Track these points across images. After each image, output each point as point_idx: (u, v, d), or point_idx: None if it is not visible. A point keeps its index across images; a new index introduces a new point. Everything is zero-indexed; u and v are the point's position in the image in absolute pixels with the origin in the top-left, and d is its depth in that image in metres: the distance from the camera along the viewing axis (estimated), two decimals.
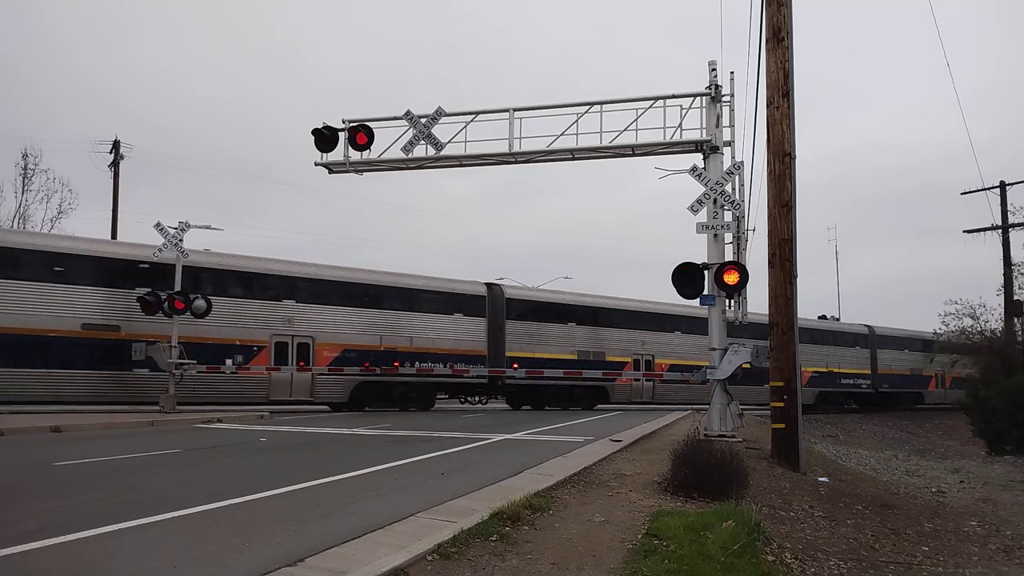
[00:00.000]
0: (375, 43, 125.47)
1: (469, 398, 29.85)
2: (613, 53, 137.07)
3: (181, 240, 21.51)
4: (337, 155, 18.57)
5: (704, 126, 16.14)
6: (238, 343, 23.78)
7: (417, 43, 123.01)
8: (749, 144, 15.63)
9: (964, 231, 32.25)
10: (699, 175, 15.33)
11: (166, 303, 21.45)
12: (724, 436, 14.22)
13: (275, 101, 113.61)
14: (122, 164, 36.30)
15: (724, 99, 15.94)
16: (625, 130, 16.58)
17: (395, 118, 18.19)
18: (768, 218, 12.49)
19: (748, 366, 14.45)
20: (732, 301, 15.31)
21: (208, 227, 28.93)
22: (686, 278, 15.03)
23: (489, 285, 30.59)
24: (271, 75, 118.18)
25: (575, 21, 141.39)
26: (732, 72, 15.98)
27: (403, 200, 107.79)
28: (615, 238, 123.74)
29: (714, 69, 15.94)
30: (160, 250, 21.64)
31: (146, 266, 22.42)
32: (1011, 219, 30.63)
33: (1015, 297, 29.62)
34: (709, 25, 56.18)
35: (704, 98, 16.13)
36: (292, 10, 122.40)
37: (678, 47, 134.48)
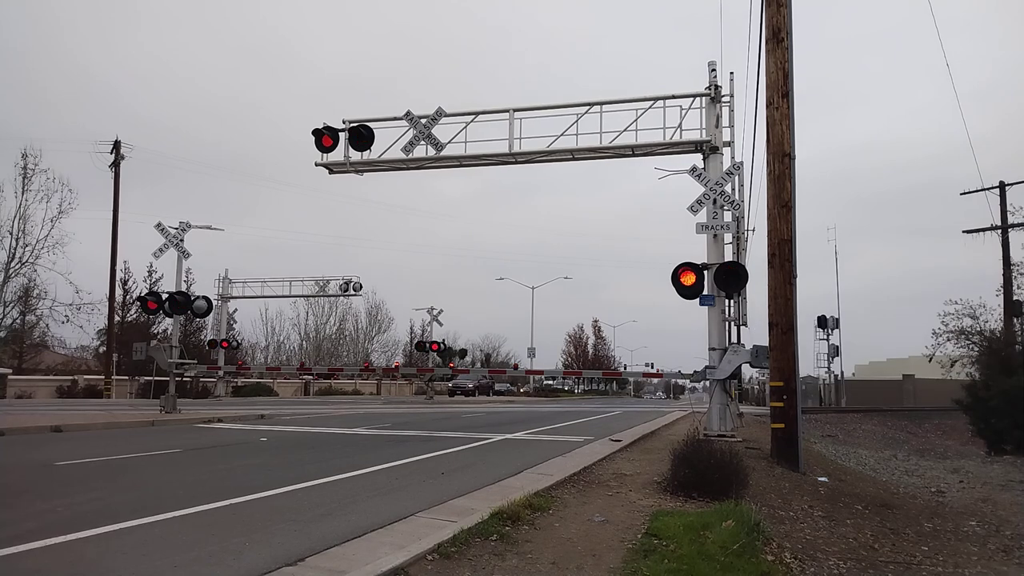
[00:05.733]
0: (375, 43, 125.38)
1: None
2: (614, 53, 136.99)
3: (182, 240, 21.56)
4: (337, 155, 18.60)
5: (704, 126, 16.16)
6: None
7: (418, 43, 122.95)
8: (749, 144, 15.66)
9: (964, 231, 32.26)
10: (699, 175, 15.34)
11: (167, 303, 21.50)
12: (724, 436, 14.24)
13: (279, 102, 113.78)
14: (122, 164, 36.36)
15: (724, 99, 15.96)
16: (625, 130, 16.60)
17: (395, 118, 18.21)
18: (768, 218, 12.48)
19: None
20: (732, 301, 15.33)
21: (209, 227, 29.05)
22: (686, 278, 15.04)
23: None
24: (273, 75, 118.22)
25: (575, 21, 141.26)
26: (732, 72, 16.03)
27: (402, 200, 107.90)
28: (615, 237, 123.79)
29: (714, 70, 15.95)
30: (160, 251, 21.68)
31: None
32: (1011, 219, 30.64)
33: (1015, 297, 29.60)
34: (709, 25, 56.14)
35: (704, 98, 16.15)
36: (297, 11, 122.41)
37: (678, 47, 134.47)
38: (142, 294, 29.88)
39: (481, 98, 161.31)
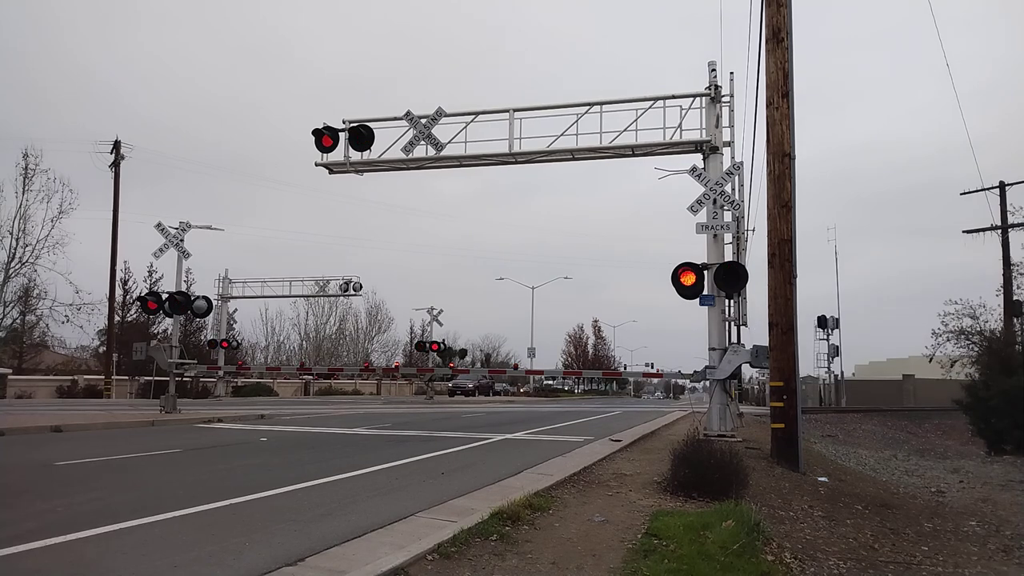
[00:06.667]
0: (375, 43, 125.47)
1: None
2: (614, 53, 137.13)
3: (182, 240, 21.54)
4: (338, 155, 18.60)
5: (704, 126, 16.15)
6: None
7: (418, 43, 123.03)
8: (749, 144, 15.66)
9: (964, 231, 32.24)
10: (699, 175, 15.33)
11: (167, 303, 21.49)
12: (724, 436, 14.24)
13: (279, 102, 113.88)
14: (122, 164, 36.36)
15: (724, 99, 15.96)
16: (625, 130, 16.60)
17: (395, 118, 18.21)
18: (768, 218, 12.48)
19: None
20: (732, 301, 15.32)
21: (209, 227, 29.04)
22: (686, 278, 15.03)
23: None
24: (273, 75, 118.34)
25: (575, 21, 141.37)
26: (732, 72, 16.03)
27: (402, 200, 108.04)
28: (615, 237, 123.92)
29: (714, 70, 15.95)
30: (160, 251, 21.67)
31: None
32: (1011, 219, 30.62)
33: (1015, 297, 29.58)
34: (709, 25, 56.18)
35: (704, 98, 16.15)
36: (297, 12, 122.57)
37: (679, 47, 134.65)
38: (142, 294, 29.88)
39: (481, 98, 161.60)
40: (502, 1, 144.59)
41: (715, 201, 15.01)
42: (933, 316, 33.89)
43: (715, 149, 15.89)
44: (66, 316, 36.91)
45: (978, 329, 27.68)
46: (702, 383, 21.04)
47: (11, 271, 35.39)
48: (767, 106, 12.58)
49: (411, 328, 67.63)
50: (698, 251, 15.74)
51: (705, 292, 15.07)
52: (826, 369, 45.13)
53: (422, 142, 17.91)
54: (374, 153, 18.37)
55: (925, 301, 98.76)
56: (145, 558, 5.03)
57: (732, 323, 15.62)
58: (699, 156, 16.29)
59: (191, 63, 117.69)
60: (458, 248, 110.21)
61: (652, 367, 78.43)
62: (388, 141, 18.19)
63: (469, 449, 12.92)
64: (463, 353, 65.65)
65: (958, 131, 62.53)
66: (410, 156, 18.11)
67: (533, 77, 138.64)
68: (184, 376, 24.57)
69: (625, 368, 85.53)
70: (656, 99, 16.50)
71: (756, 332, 59.11)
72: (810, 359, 47.33)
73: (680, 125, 16.30)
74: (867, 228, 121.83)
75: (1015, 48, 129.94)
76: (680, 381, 59.73)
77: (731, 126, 15.94)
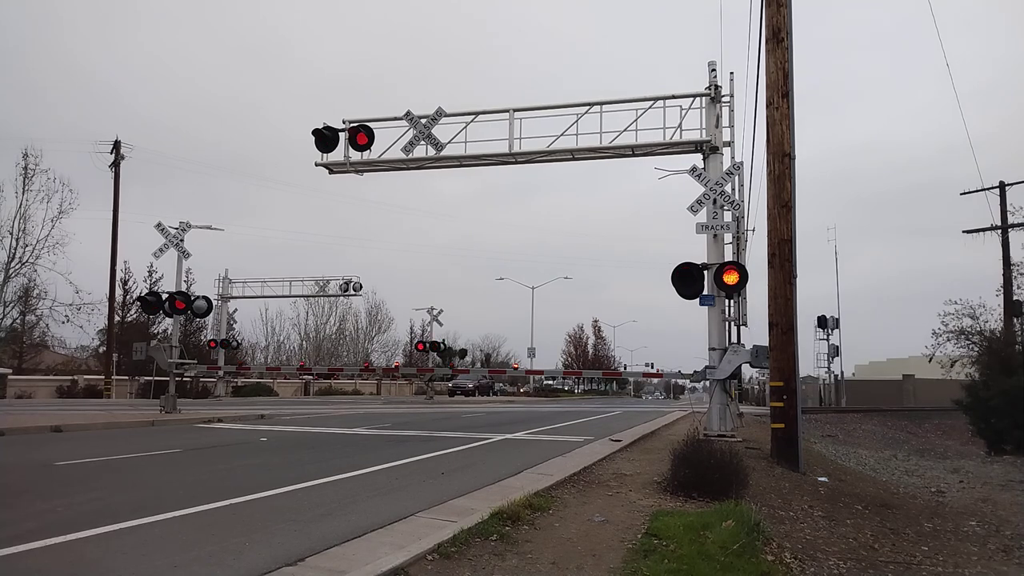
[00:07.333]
0: (375, 43, 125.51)
1: None
2: (614, 53, 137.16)
3: (182, 240, 21.54)
4: (338, 155, 18.60)
5: (704, 126, 16.15)
6: None
7: (418, 43, 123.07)
8: (749, 144, 15.65)
9: (963, 231, 32.23)
10: (699, 175, 15.33)
11: (167, 303, 21.50)
12: (724, 436, 14.24)
13: (279, 102, 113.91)
14: (122, 164, 36.36)
15: (724, 99, 15.95)
16: (625, 130, 16.59)
17: (395, 118, 18.20)
18: (768, 218, 12.47)
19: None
20: (732, 301, 15.32)
21: (209, 227, 29.03)
22: (686, 278, 15.04)
23: None
24: (273, 75, 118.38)
25: (575, 22, 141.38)
26: (732, 72, 16.03)
27: (402, 200, 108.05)
28: (615, 237, 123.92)
29: (714, 70, 15.95)
30: (160, 251, 21.66)
31: None
32: (1011, 219, 30.61)
33: (1015, 297, 29.58)
34: (709, 25, 56.19)
35: (704, 98, 16.15)
36: (296, 12, 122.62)
37: (679, 47, 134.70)
38: (142, 294, 29.88)
39: (481, 98, 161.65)
40: (502, 1, 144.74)
41: (715, 201, 15.01)
42: (933, 316, 33.88)
43: (715, 149, 15.89)
44: (66, 316, 36.95)
45: (978, 329, 27.66)
46: (702, 383, 21.03)
47: (11, 271, 35.41)
48: (767, 106, 12.58)
49: (411, 328, 67.72)
50: (698, 251, 15.76)
51: (705, 292, 15.07)
52: (826, 369, 45.17)
53: (422, 142, 17.90)
54: (374, 153, 18.37)
55: (925, 301, 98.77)
56: (145, 558, 5.03)
57: (732, 323, 15.62)
58: (699, 156, 16.29)
59: (191, 63, 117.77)
60: (458, 248, 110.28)
61: (652, 367, 78.45)
62: (388, 141, 18.21)
63: (469, 449, 12.92)
64: (463, 353, 65.64)
65: (958, 131, 62.71)
66: (410, 156, 18.11)
67: (533, 77, 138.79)
68: (184, 376, 24.57)
69: (625, 368, 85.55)
70: (656, 99, 16.50)
71: (756, 332, 59.09)
72: (810, 359, 47.37)
73: (680, 125, 16.30)
74: (867, 228, 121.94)
75: (1015, 48, 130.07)
76: (680, 381, 59.79)
77: (731, 126, 15.95)
